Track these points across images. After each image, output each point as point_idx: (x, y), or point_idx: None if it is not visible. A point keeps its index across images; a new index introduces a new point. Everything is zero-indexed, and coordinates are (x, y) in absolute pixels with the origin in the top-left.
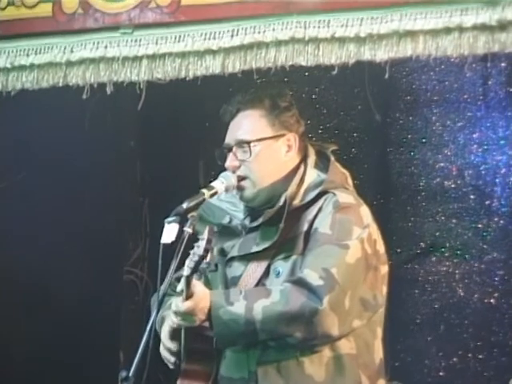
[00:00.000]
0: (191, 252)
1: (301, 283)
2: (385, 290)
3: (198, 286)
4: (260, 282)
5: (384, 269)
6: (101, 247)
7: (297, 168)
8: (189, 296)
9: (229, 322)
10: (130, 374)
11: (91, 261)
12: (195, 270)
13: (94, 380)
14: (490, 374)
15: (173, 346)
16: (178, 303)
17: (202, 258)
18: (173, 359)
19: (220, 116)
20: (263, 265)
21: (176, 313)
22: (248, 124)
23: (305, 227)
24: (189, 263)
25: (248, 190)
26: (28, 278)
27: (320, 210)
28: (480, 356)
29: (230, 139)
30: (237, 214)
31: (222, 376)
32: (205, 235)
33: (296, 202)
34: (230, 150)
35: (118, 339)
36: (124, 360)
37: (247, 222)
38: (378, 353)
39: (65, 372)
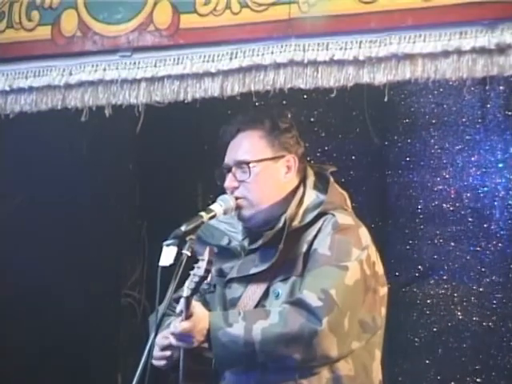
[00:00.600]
0: (191, 273)
1: (300, 304)
2: (383, 311)
3: (197, 307)
4: (259, 304)
5: (383, 290)
6: (99, 270)
7: (296, 189)
8: (188, 317)
9: (228, 343)
10: None
11: (89, 283)
12: (195, 291)
13: None
14: None
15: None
16: (176, 324)
17: (203, 278)
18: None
19: (219, 136)
20: (262, 286)
21: (174, 334)
22: (247, 144)
23: (304, 248)
24: (189, 284)
25: (246, 210)
26: (25, 298)
27: (319, 230)
28: (478, 380)
29: (229, 159)
30: (235, 235)
31: None
32: (205, 256)
33: (295, 223)
34: (229, 170)
35: (115, 362)
36: (122, 382)
37: (246, 243)
38: (377, 374)
39: None
